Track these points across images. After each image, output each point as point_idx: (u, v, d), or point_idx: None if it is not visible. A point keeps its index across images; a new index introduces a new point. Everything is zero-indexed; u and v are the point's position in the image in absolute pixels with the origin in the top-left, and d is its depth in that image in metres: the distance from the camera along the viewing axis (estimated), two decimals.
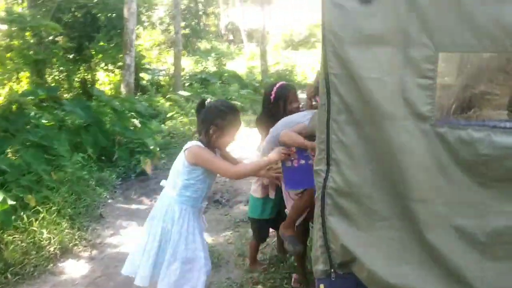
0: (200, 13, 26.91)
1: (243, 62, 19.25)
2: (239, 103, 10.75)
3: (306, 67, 18.35)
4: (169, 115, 8.82)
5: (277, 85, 3.44)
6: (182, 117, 8.85)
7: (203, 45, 24.15)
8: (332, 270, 2.12)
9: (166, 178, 6.61)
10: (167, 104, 9.93)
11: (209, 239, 4.57)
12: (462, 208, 1.87)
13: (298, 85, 15.98)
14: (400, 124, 1.85)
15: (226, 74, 13.48)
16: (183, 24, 16.50)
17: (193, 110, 9.35)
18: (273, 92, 3.39)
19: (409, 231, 1.94)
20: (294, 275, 3.61)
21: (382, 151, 1.90)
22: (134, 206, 5.69)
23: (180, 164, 2.74)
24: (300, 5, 32.13)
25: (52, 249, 4.26)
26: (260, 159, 2.75)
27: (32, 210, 4.54)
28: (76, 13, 10.50)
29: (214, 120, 2.70)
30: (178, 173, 2.74)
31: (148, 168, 6.91)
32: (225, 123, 2.71)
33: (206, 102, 2.82)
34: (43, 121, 6.28)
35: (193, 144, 2.69)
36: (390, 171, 1.91)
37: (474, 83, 1.84)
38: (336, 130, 1.94)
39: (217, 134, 2.70)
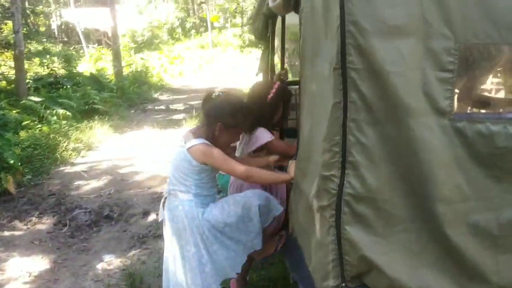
0: (28, 12, 24.45)
1: (89, 64, 17.94)
2: (101, 107, 9.92)
3: (160, 69, 17.85)
4: (24, 123, 7.70)
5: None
6: (40, 126, 7.80)
7: (33, 46, 21.94)
8: (343, 285, 1.94)
9: (34, 196, 5.84)
10: (14, 111, 8.68)
11: (116, 261, 4.06)
12: (478, 203, 1.84)
13: (154, 87, 15.52)
14: (421, 120, 1.74)
15: (78, 77, 12.31)
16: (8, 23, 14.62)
17: (55, 117, 8.34)
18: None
19: (427, 232, 1.85)
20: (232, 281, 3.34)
21: (402, 151, 1.77)
22: (7, 233, 4.80)
23: (185, 165, 2.45)
24: (139, 6, 31.26)
25: None
26: (281, 174, 2.59)
27: None
28: None
29: (222, 117, 2.45)
30: (185, 175, 2.46)
31: (10, 186, 5.94)
32: (233, 123, 2.48)
33: (213, 95, 2.54)
34: None
35: (198, 142, 2.42)
36: (410, 171, 1.79)
37: (492, 75, 1.81)
38: (354, 130, 1.76)
39: (221, 133, 2.47)
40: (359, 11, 1.67)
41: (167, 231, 2.62)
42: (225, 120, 2.46)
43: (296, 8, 2.25)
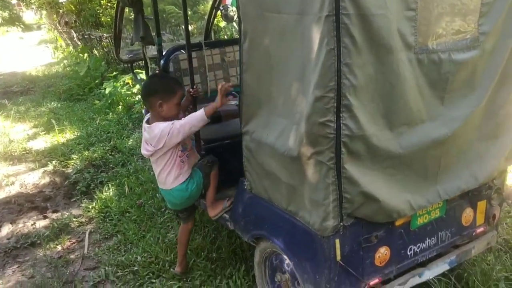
0: None
1: None
2: None
3: None
4: None
5: None
6: None
7: None
8: (342, 224, 2.06)
9: None
10: None
11: None
12: (431, 123, 2.17)
13: None
14: (398, 56, 1.93)
15: None
16: None
17: None
18: None
19: (404, 160, 2.11)
20: None
21: (385, 87, 1.94)
22: None
23: None
24: None
25: None
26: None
27: None
28: None
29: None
30: None
31: None
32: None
33: None
34: None
35: None
36: (390, 103, 1.98)
37: (443, 11, 2.06)
38: (348, 74, 1.83)
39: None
40: None
41: None
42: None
43: None
